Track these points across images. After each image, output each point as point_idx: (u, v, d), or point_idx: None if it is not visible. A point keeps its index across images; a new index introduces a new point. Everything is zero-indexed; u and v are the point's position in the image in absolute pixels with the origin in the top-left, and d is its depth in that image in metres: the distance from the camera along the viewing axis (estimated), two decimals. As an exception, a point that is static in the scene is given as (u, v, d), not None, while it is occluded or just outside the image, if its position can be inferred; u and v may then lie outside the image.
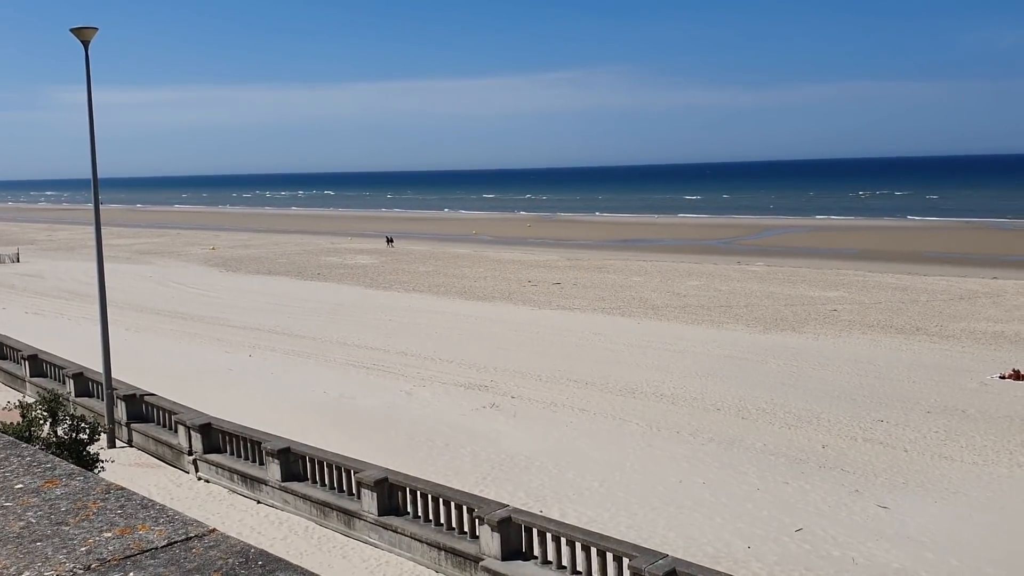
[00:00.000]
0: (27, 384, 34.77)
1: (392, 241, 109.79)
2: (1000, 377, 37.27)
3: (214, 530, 3.21)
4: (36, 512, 3.25)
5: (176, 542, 3.07)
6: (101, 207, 30.46)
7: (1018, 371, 37.48)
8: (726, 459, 27.39)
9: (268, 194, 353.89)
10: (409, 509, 20.62)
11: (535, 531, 17.93)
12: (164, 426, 28.18)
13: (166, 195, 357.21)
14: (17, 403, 24.80)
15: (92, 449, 23.33)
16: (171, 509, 3.36)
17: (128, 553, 2.95)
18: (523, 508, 21.12)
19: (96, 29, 27.98)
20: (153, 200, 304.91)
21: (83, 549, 2.97)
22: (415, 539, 19.80)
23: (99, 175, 29.46)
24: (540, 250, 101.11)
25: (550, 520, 18.58)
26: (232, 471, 24.79)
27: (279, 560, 2.96)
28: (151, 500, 3.40)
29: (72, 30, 27.79)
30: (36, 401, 24.51)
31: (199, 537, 3.12)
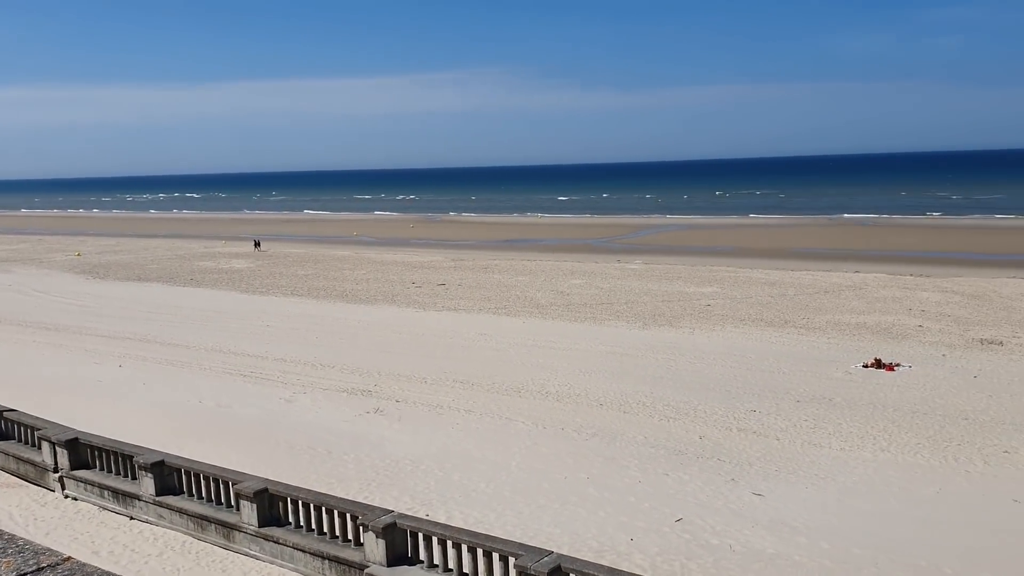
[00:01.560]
0: None
1: (260, 244, 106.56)
2: (863, 366, 39.32)
3: (69, 558, 3.04)
4: None
5: (27, 573, 2.89)
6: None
7: (879, 360, 39.63)
8: (609, 453, 27.91)
9: (129, 198, 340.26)
10: (291, 519, 20.15)
11: (420, 535, 17.79)
12: (26, 443, 26.62)
13: (21, 199, 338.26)
14: None
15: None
16: (21, 538, 3.16)
17: (-31, 589, 2.74)
18: (409, 513, 20.96)
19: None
20: (7, 204, 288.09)
21: (-84, 588, 2.75)
22: (297, 549, 19.36)
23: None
24: (424, 251, 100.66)
25: (436, 523, 18.49)
26: (102, 487, 23.65)
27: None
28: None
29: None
30: None
31: (52, 567, 2.95)
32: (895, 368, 38.72)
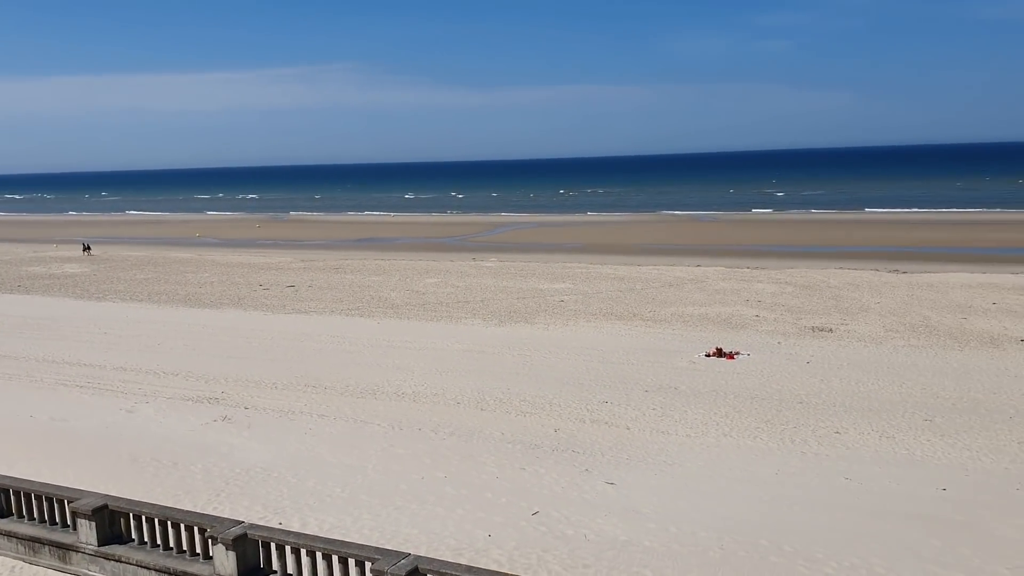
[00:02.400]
0: None
1: (89, 248, 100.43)
2: (706, 355, 41.07)
3: None
4: None
5: None
6: None
7: (720, 349, 41.50)
8: (466, 451, 27.98)
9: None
10: (134, 535, 19.14)
11: (273, 545, 17.27)
12: None
13: None
14: None
15: None
16: None
17: None
18: (261, 523, 20.37)
19: None
20: None
21: None
22: (142, 567, 18.41)
23: None
24: (272, 252, 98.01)
25: (289, 532, 17.99)
26: (-82, 515, 21.73)
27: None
28: None
29: None
30: None
31: None
32: (735, 356, 40.64)
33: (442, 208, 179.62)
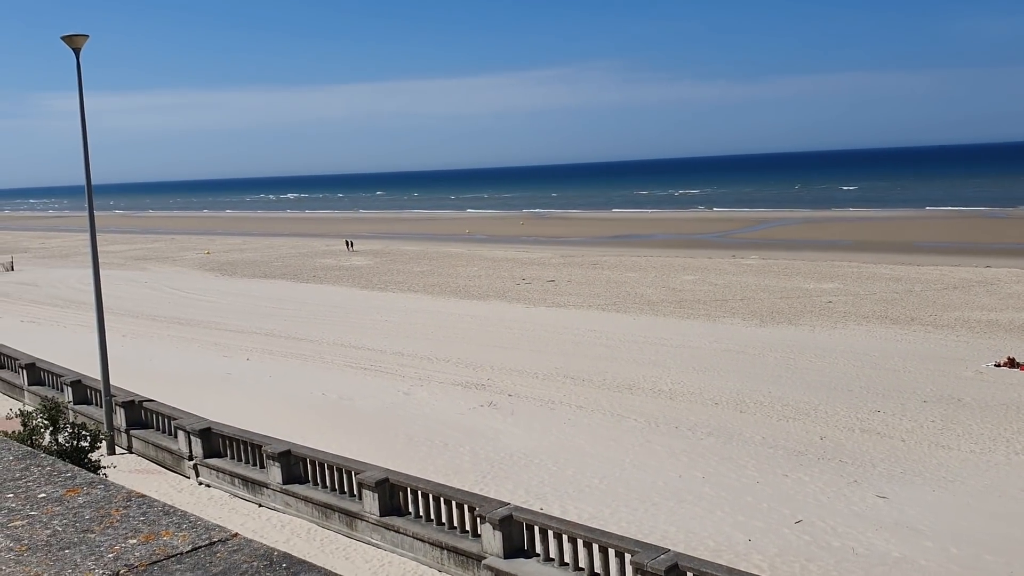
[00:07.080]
0: (25, 393, 34.75)
1: (352, 244, 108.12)
2: (996, 365, 37.43)
3: (236, 534, 3.26)
4: (61, 520, 3.31)
5: (200, 547, 3.13)
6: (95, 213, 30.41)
7: (1013, 359, 37.64)
8: (725, 453, 27.51)
9: (273, 197, 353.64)
10: (410, 509, 20.68)
11: (536, 529, 18.00)
12: (164, 432, 28.20)
13: (159, 200, 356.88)
14: (17, 412, 24.77)
15: (93, 456, 23.33)
16: (193, 515, 3.41)
17: (155, 559, 3.01)
18: (524, 506, 21.20)
19: (87, 36, 27.91)
20: (146, 205, 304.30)
21: (110, 556, 3.03)
22: (417, 539, 19.87)
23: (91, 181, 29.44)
24: (533, 248, 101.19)
25: (551, 517, 18.66)
26: (233, 475, 24.83)
27: (302, 562, 3.02)
28: (172, 507, 3.46)
29: (63, 38, 27.73)
30: (36, 409, 24.50)
31: (222, 541, 3.18)
32: (1031, 368, 36.73)
33: (700, 204, 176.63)
